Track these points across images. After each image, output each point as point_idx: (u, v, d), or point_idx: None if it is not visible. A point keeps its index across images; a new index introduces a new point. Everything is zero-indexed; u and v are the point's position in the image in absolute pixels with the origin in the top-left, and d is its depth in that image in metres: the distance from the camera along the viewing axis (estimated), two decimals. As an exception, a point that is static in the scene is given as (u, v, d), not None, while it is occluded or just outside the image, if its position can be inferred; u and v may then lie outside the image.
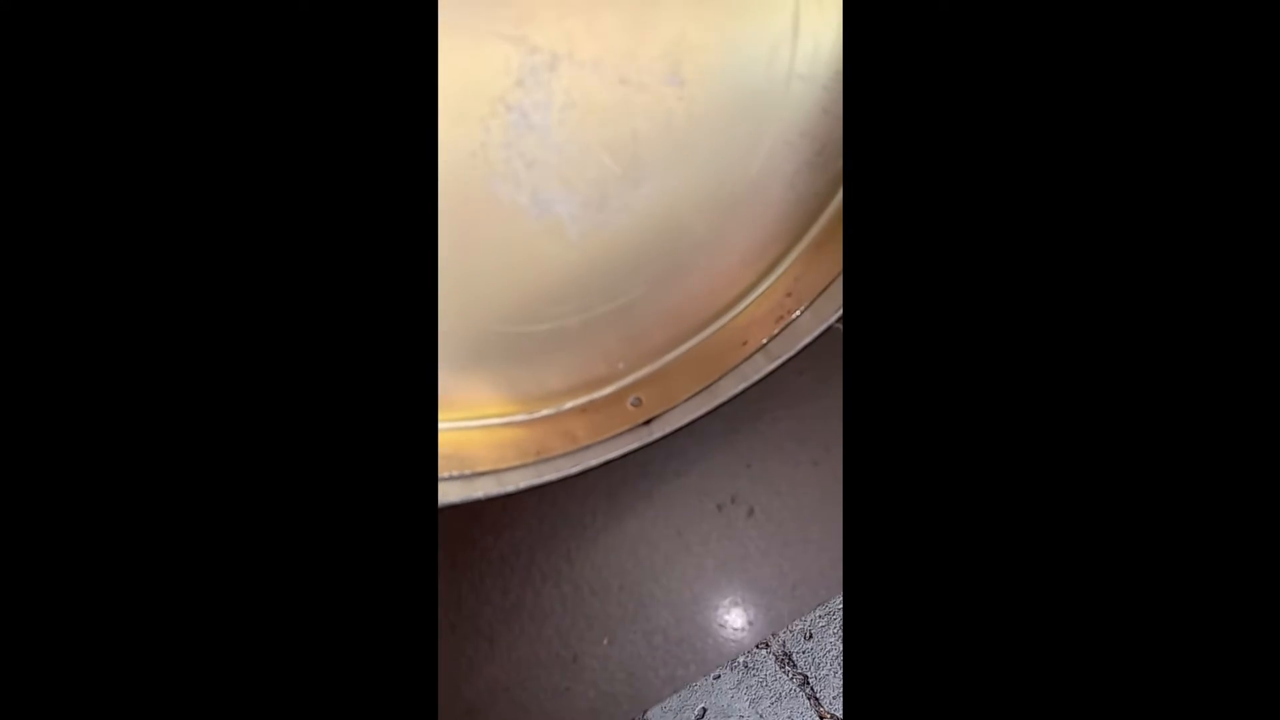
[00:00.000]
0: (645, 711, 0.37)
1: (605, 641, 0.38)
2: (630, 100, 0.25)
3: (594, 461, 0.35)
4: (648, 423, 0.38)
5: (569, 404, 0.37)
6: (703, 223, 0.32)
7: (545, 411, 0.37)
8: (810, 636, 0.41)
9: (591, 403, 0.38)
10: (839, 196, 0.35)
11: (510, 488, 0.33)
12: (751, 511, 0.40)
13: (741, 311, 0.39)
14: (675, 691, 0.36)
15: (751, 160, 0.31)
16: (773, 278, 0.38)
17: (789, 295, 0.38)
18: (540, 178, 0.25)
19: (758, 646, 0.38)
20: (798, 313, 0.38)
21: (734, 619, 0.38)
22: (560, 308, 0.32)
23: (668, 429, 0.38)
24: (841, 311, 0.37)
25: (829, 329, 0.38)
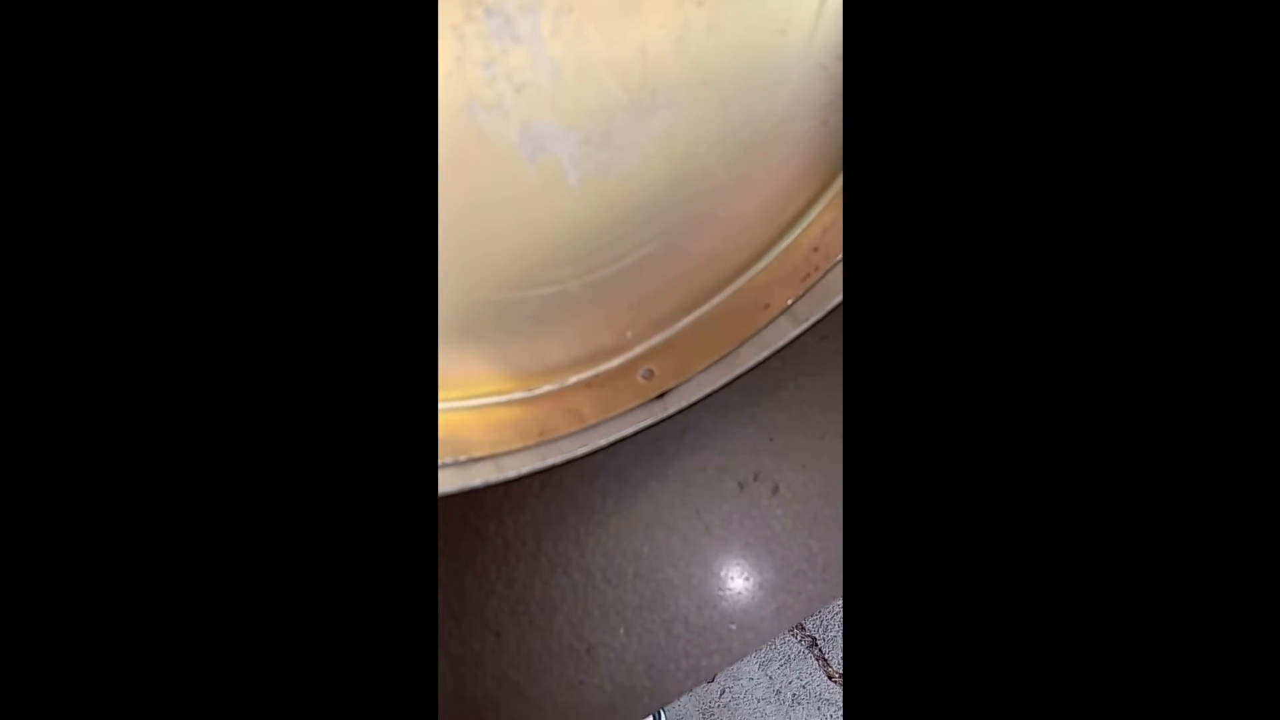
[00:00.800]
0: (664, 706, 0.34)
1: (621, 632, 0.35)
2: (639, 6, 0.20)
3: (603, 441, 0.32)
4: (661, 397, 0.34)
5: (573, 379, 0.33)
6: (723, 164, 0.28)
7: (547, 388, 0.33)
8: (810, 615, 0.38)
9: (598, 377, 0.34)
10: (875, 133, 0.31)
11: (511, 473, 0.29)
12: (776, 489, 0.37)
13: (763, 269, 0.35)
14: (700, 683, 0.33)
15: (782, 87, 0.26)
16: (798, 229, 0.34)
17: (816, 250, 0.34)
18: (531, 105, 0.21)
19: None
20: (826, 269, 0.33)
21: (762, 605, 0.35)
22: (560, 270, 0.27)
23: (683, 403, 0.35)
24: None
25: (862, 286, 0.34)
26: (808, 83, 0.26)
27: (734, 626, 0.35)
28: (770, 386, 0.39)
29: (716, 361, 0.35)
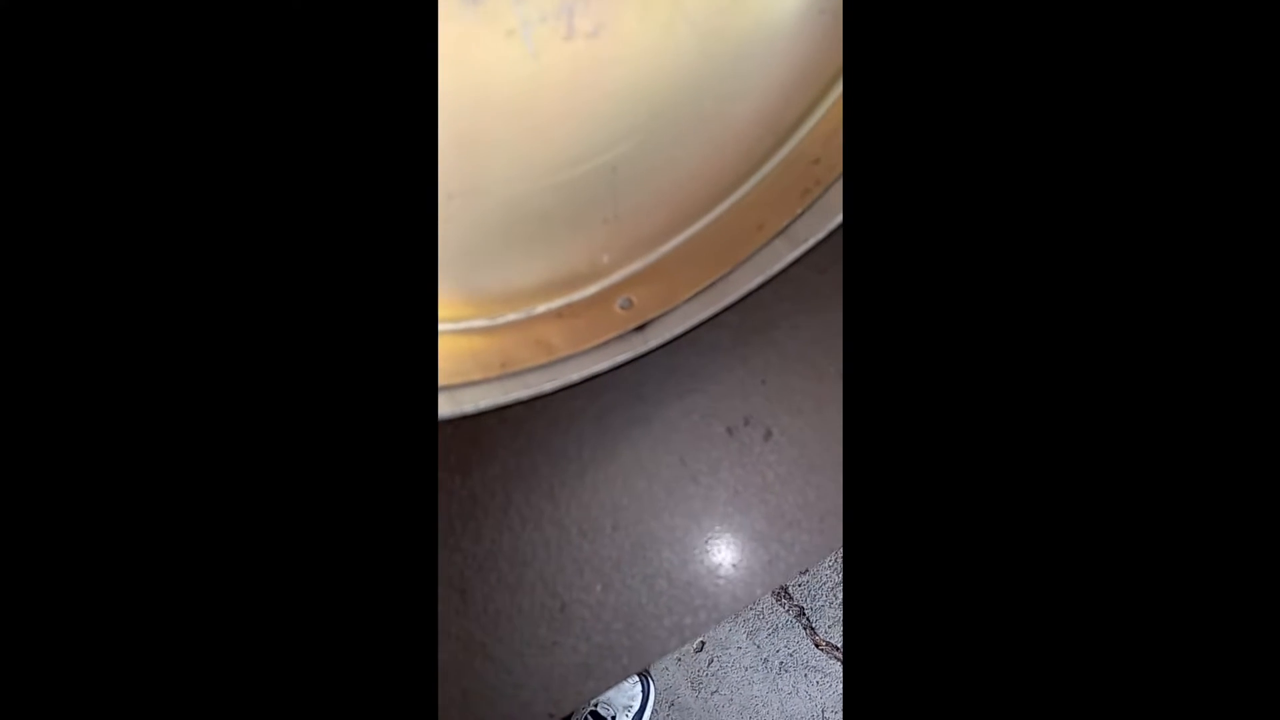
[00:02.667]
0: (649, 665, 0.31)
1: (598, 588, 0.32)
2: None
3: (575, 376, 0.28)
4: (641, 328, 0.30)
5: (541, 307, 0.30)
6: (705, 50, 0.24)
7: (511, 316, 0.29)
8: (805, 569, 0.36)
9: (570, 305, 0.30)
10: (887, 20, 0.27)
11: (469, 407, 0.26)
12: (769, 434, 0.34)
13: (757, 184, 0.31)
14: (683, 643, 0.30)
15: (779, -58, 0.22)
16: (797, 138, 0.30)
17: (816, 162, 0.30)
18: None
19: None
20: (828, 185, 0.30)
21: (752, 558, 0.32)
22: (515, 166, 0.23)
23: (666, 336, 0.31)
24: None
25: (868, 203, 0.30)
26: (811, -60, 0.22)
27: (722, 581, 0.32)
28: (763, 324, 0.35)
29: (704, 289, 0.31)
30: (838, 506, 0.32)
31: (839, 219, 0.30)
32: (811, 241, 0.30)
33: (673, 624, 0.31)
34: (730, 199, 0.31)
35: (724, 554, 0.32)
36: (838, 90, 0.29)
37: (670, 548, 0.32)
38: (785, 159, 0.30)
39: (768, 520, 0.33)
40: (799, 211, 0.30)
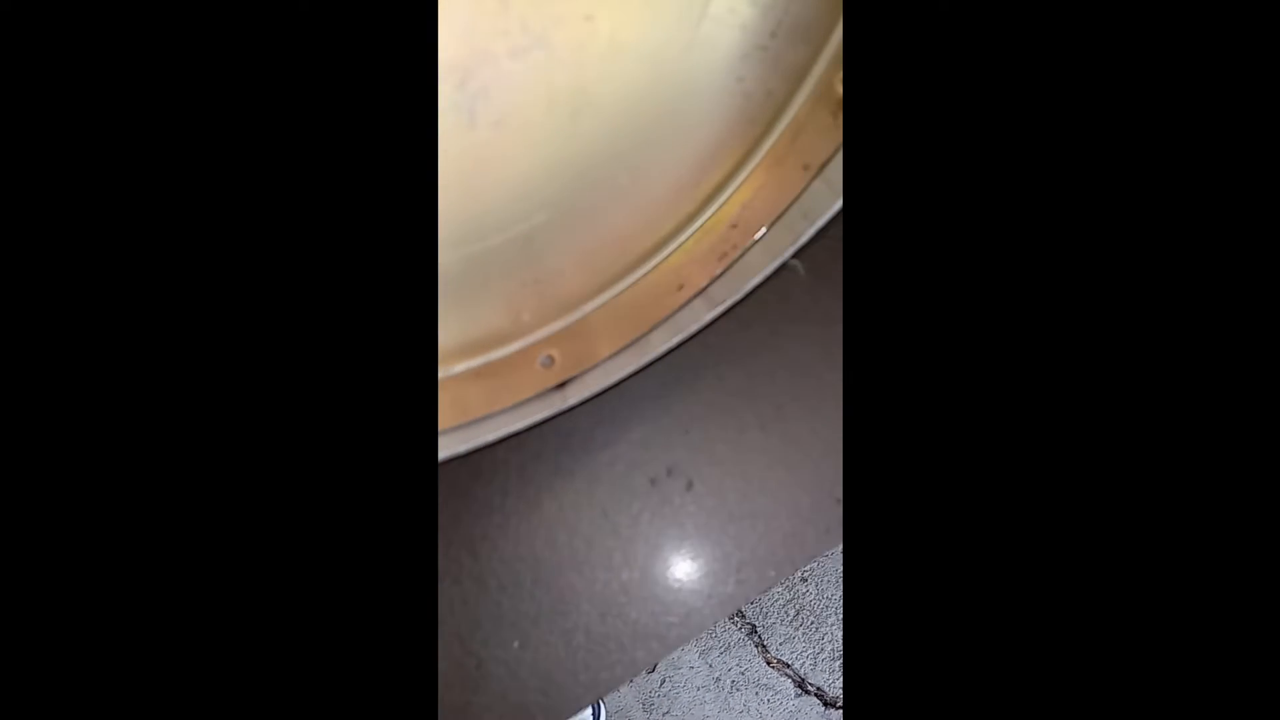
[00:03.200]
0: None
1: (516, 644, 0.32)
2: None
3: (491, 437, 0.28)
4: (561, 386, 0.31)
5: (459, 367, 0.30)
6: (622, 124, 0.25)
7: (428, 375, 0.29)
8: (719, 620, 0.36)
9: (489, 364, 0.30)
10: (799, 99, 0.28)
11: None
12: (690, 484, 0.35)
13: (677, 248, 0.31)
14: (599, 697, 0.30)
15: (683, 29, 0.22)
16: (715, 205, 0.31)
17: (734, 227, 0.31)
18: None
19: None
20: (746, 248, 0.31)
21: (669, 610, 0.32)
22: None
23: (586, 393, 0.31)
24: (799, 245, 0.30)
25: (784, 266, 0.31)
26: (718, 25, 0.23)
27: (639, 635, 0.32)
28: (687, 374, 0.36)
29: (626, 347, 0.32)
30: (756, 557, 0.33)
31: (756, 280, 0.31)
32: (729, 302, 0.31)
33: (589, 680, 0.31)
34: (650, 262, 0.31)
35: (642, 607, 0.33)
36: (755, 159, 0.30)
37: (590, 601, 0.33)
38: (703, 225, 0.31)
39: (686, 572, 0.33)
40: (717, 273, 0.31)
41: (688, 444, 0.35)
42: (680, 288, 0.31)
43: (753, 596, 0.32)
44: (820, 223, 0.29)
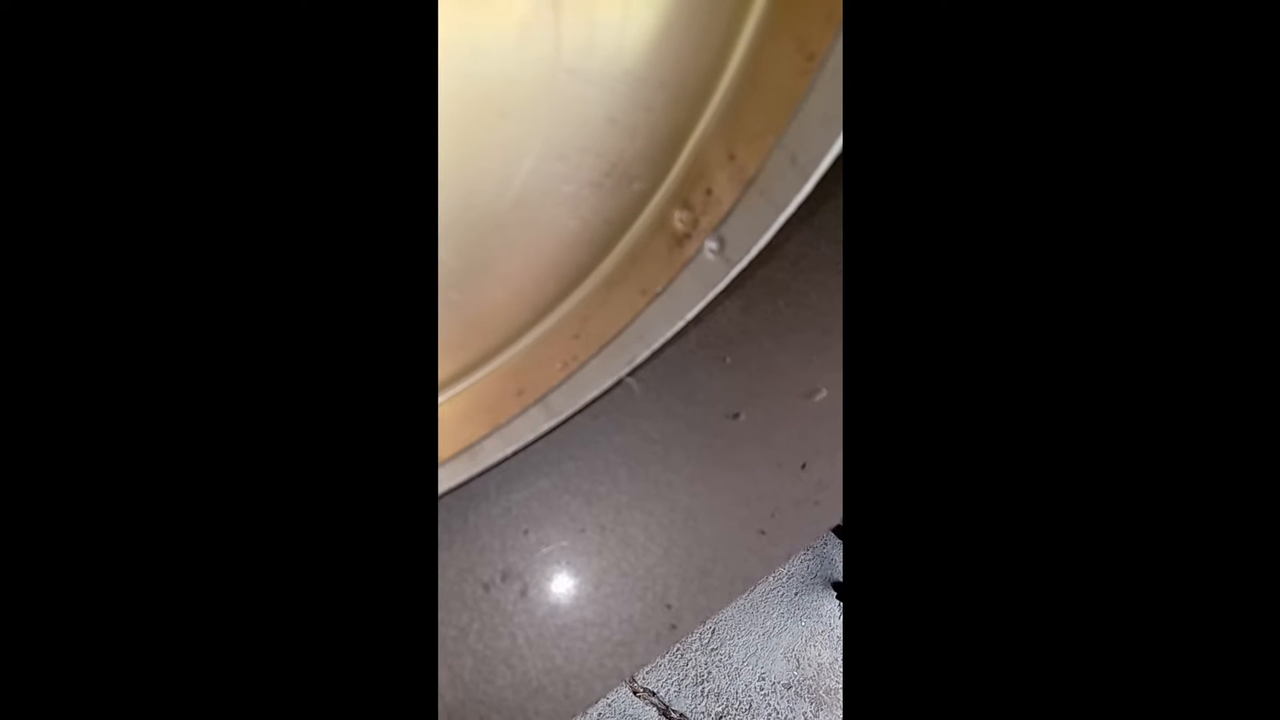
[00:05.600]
0: None
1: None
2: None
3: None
4: (381, 499, 0.29)
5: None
6: (450, 248, 0.24)
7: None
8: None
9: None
10: (637, 225, 0.29)
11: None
12: (525, 590, 0.34)
13: (517, 353, 0.31)
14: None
15: (511, 176, 0.22)
16: (557, 314, 0.31)
17: (576, 337, 0.31)
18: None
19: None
20: (587, 360, 0.31)
21: (490, 732, 0.31)
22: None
23: (414, 502, 0.30)
24: (635, 365, 0.31)
25: (620, 383, 0.31)
26: (546, 171, 0.23)
27: (457, 761, 0.30)
28: (530, 471, 0.36)
29: (458, 453, 0.31)
30: (583, 670, 0.33)
31: (595, 392, 0.31)
32: (566, 414, 0.31)
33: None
34: (488, 366, 0.31)
35: (463, 729, 0.31)
36: (593, 279, 0.30)
37: (404, 727, 0.30)
38: (545, 333, 0.31)
39: (513, 688, 0.32)
40: (557, 382, 0.31)
41: (525, 545, 0.34)
42: (520, 393, 0.31)
43: (577, 715, 0.32)
44: (655, 345, 0.30)
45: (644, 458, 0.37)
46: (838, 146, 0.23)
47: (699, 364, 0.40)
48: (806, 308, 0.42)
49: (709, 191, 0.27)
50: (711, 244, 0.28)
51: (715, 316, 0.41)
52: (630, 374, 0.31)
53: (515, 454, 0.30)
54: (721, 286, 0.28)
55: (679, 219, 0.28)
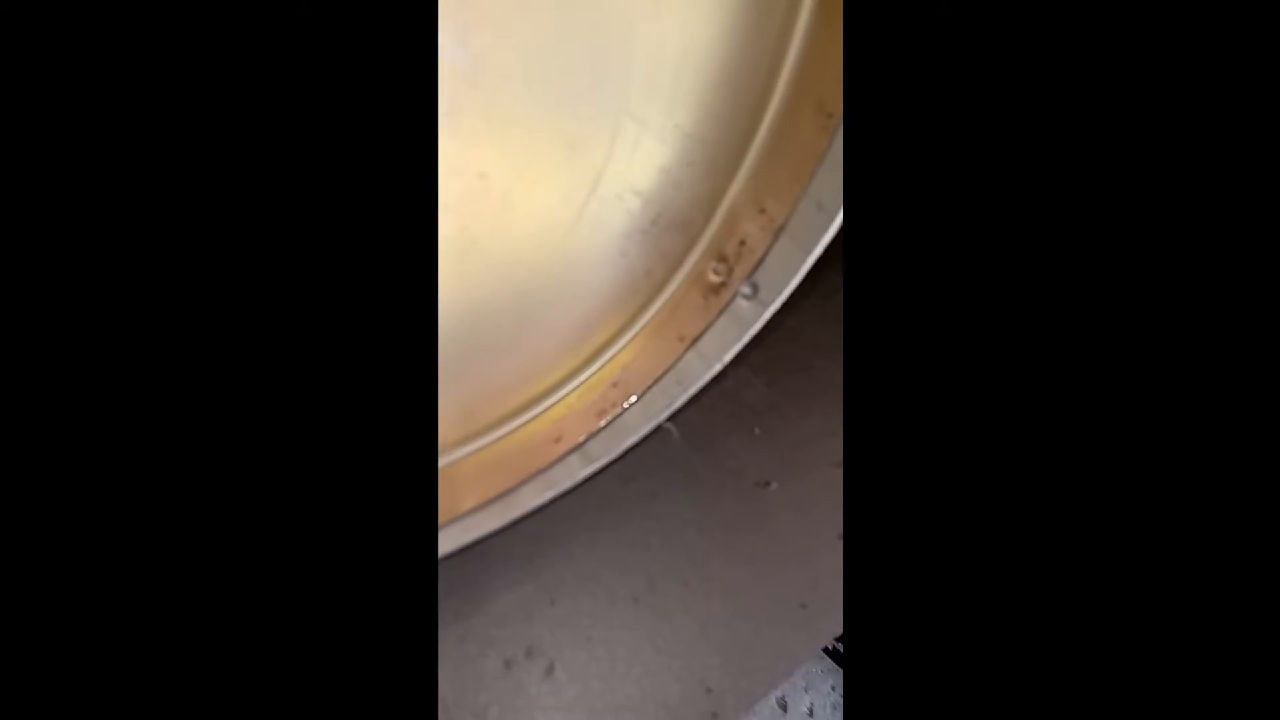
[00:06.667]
0: None
1: None
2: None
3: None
4: (412, 541, 0.27)
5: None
6: (502, 282, 0.26)
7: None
8: None
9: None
10: (677, 277, 0.31)
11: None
12: (551, 669, 0.30)
13: (558, 402, 0.31)
14: None
15: (571, 202, 0.25)
16: (599, 363, 0.32)
17: (614, 386, 0.32)
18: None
19: None
20: (625, 406, 0.31)
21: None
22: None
23: (445, 550, 0.28)
24: (673, 409, 0.31)
25: (659, 429, 0.32)
26: (604, 206, 0.26)
27: None
28: (560, 536, 0.34)
29: (493, 500, 0.30)
30: (617, 765, 0.28)
31: (632, 439, 0.31)
32: (604, 460, 0.31)
33: None
34: (527, 414, 0.31)
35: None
36: (635, 327, 0.32)
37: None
38: (586, 381, 0.32)
39: (534, 787, 0.27)
40: (595, 429, 0.31)
41: (551, 618, 0.32)
42: (558, 440, 0.31)
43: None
44: (693, 390, 0.31)
45: (676, 524, 0.36)
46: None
47: (728, 434, 0.40)
48: (828, 378, 0.43)
49: (742, 243, 0.30)
50: (745, 289, 0.30)
51: (742, 391, 0.42)
52: (669, 419, 0.31)
53: (552, 502, 0.29)
54: (756, 329, 0.30)
55: (714, 269, 0.30)
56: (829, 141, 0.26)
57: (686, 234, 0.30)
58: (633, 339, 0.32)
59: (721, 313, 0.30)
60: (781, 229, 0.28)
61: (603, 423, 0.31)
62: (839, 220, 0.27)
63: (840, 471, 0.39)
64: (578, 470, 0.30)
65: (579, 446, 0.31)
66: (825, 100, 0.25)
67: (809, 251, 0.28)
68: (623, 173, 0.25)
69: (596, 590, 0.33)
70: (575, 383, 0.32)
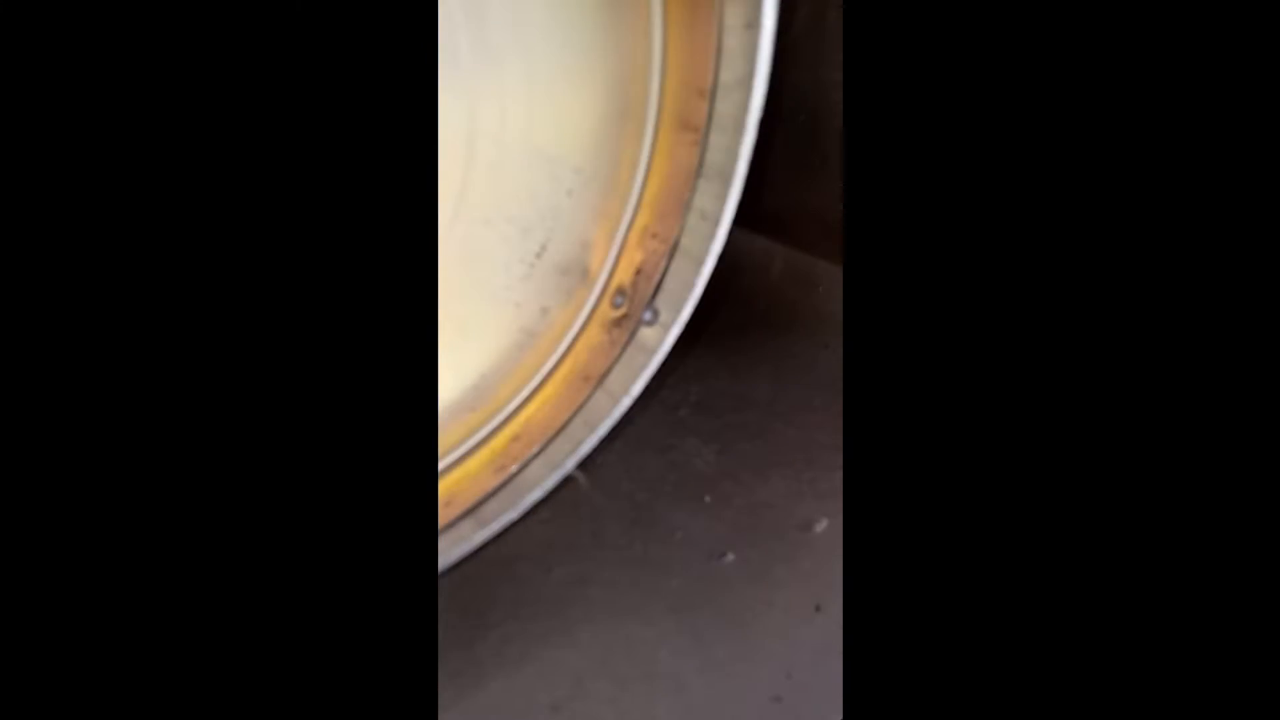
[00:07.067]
0: None
1: None
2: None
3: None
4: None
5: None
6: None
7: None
8: None
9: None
10: (579, 320, 0.29)
11: None
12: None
13: (446, 465, 0.28)
14: None
15: (442, 235, 0.24)
16: (499, 418, 0.29)
17: (516, 440, 0.28)
18: None
19: None
20: (526, 460, 0.28)
21: None
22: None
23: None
24: (582, 455, 0.27)
25: (567, 479, 0.27)
26: (472, 232, 0.25)
27: None
28: (462, 633, 0.28)
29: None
30: None
31: (535, 495, 0.27)
32: (503, 520, 0.26)
33: None
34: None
35: None
36: (543, 371, 0.29)
37: None
38: (479, 440, 0.28)
39: None
40: (492, 488, 0.27)
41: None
42: (445, 505, 0.27)
43: None
44: (601, 431, 0.28)
45: (612, 611, 0.30)
46: (735, 193, 0.25)
47: (674, 505, 0.35)
48: (786, 442, 0.39)
49: (639, 271, 0.29)
50: (647, 316, 0.28)
51: (690, 460, 0.38)
52: (579, 468, 0.27)
53: (443, 574, 0.24)
54: (663, 354, 0.27)
55: (613, 302, 0.29)
56: (699, 154, 0.26)
57: (579, 271, 0.29)
58: (535, 388, 0.29)
59: (627, 345, 0.28)
60: (675, 248, 0.27)
61: (500, 480, 0.27)
62: (725, 227, 0.26)
63: (808, 535, 0.34)
64: (472, 536, 0.26)
65: (472, 510, 0.26)
66: (689, 116, 0.25)
67: (701, 264, 0.26)
68: (490, 200, 0.25)
69: (506, 698, 0.26)
70: (467, 444, 0.28)
